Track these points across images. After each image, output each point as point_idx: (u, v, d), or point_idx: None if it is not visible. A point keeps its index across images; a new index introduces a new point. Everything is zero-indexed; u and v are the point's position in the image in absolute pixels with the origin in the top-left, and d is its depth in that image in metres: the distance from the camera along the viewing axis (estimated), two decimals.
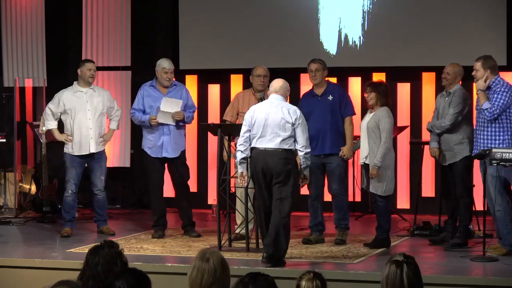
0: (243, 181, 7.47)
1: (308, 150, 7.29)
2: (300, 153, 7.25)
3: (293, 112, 7.28)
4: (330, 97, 8.34)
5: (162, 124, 8.68)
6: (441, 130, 8.15)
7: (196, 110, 9.20)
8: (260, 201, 7.37)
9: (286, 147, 7.21)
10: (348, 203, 8.57)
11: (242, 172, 7.42)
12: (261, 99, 8.42)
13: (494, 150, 7.34)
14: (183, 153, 8.88)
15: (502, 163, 7.28)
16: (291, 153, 7.27)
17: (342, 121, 8.35)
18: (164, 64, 8.76)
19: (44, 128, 9.17)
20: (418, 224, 8.97)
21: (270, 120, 7.24)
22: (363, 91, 10.48)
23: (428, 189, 10.47)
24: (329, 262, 7.33)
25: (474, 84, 9.88)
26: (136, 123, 8.98)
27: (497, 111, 7.55)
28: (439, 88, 10.52)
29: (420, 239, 8.60)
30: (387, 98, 8.11)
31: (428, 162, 10.28)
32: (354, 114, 8.47)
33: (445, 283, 6.54)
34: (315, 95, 8.40)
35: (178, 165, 8.80)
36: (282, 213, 7.13)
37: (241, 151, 7.34)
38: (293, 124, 7.23)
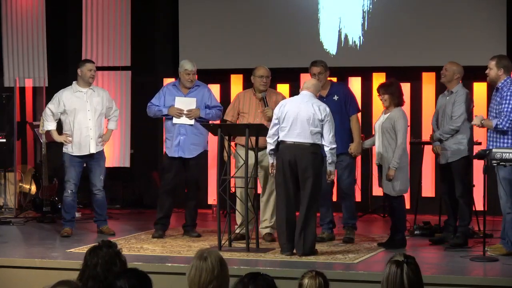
0: (273, 171, 7.73)
1: (334, 146, 7.58)
2: (326, 148, 7.56)
3: (323, 109, 7.59)
4: (336, 97, 8.38)
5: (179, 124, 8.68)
6: (451, 133, 8.10)
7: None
8: (283, 196, 7.58)
9: (314, 141, 7.53)
10: (354, 202, 8.60)
11: (272, 163, 7.72)
12: (263, 99, 8.45)
13: (494, 150, 7.32)
14: (201, 154, 8.85)
15: (502, 163, 7.27)
16: (319, 148, 7.58)
17: (348, 120, 8.40)
18: (186, 66, 8.74)
19: (43, 129, 9.17)
20: (418, 224, 8.98)
21: (301, 115, 7.54)
22: (363, 91, 10.55)
23: (428, 189, 10.47)
24: (329, 262, 7.32)
25: (475, 84, 9.94)
26: (151, 115, 8.91)
27: (508, 121, 7.52)
28: (439, 88, 10.53)
29: (420, 239, 8.60)
30: (400, 97, 8.06)
31: (428, 162, 10.28)
32: (359, 111, 8.55)
33: (445, 283, 6.53)
34: (320, 97, 8.41)
35: (193, 165, 8.78)
36: (309, 207, 7.47)
37: (270, 143, 7.65)
38: (321, 120, 7.55)
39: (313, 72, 8.41)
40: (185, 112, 8.62)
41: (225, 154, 8.23)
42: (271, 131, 7.68)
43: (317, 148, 7.57)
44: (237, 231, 8.30)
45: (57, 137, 8.98)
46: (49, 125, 8.97)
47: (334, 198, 9.14)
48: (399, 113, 7.96)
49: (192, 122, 8.64)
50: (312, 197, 7.53)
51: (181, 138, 8.68)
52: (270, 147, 7.69)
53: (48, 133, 9.39)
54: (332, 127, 7.58)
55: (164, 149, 9.04)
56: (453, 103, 8.10)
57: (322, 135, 7.57)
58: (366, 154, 10.01)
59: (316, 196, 7.62)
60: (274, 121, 7.68)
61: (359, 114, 8.64)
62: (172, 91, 8.81)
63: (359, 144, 8.39)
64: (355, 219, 8.49)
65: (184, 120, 8.65)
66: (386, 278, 4.12)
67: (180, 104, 8.66)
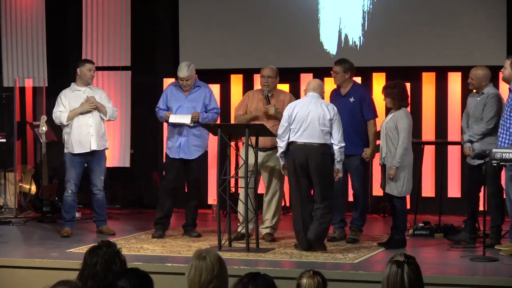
0: (285, 172, 7.96)
1: (343, 144, 7.77)
2: (335, 147, 7.73)
3: (332, 109, 7.80)
4: (352, 99, 8.41)
5: (180, 125, 8.68)
6: (482, 135, 8.08)
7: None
8: (296, 195, 7.78)
9: (324, 141, 7.71)
10: (365, 204, 8.61)
11: (284, 164, 7.91)
12: (266, 97, 8.46)
13: (494, 150, 7.32)
14: (202, 155, 8.85)
15: (502, 163, 7.27)
16: (329, 148, 7.74)
17: (363, 123, 8.39)
18: (179, 73, 8.67)
19: (44, 129, 9.14)
20: (418, 224, 8.97)
21: (311, 116, 7.71)
22: None
23: (428, 189, 10.47)
24: (329, 262, 7.32)
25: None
26: (160, 121, 9.03)
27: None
28: (439, 88, 10.54)
29: (420, 239, 8.60)
30: (404, 99, 8.03)
31: (428, 162, 10.29)
32: (376, 116, 8.49)
33: (445, 283, 6.53)
34: (338, 94, 8.49)
35: (194, 166, 8.78)
36: (324, 208, 7.68)
37: (281, 146, 7.83)
38: (331, 120, 7.72)
39: (332, 70, 8.50)
40: (191, 115, 8.61)
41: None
42: (280, 133, 7.82)
43: (327, 148, 7.73)
44: (239, 229, 8.28)
45: (81, 109, 8.81)
46: (65, 116, 8.88)
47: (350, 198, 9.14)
48: (403, 113, 7.98)
49: (188, 121, 8.61)
50: (326, 195, 7.73)
51: (182, 140, 8.69)
52: (280, 150, 7.83)
53: (48, 132, 9.44)
54: (340, 126, 7.77)
55: (164, 150, 9.04)
56: (484, 105, 8.06)
57: (331, 134, 7.72)
58: None
59: (329, 194, 7.79)
60: (283, 123, 7.81)
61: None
62: (174, 91, 8.82)
63: (373, 149, 8.39)
64: (361, 221, 8.48)
65: (180, 119, 8.63)
66: (386, 278, 4.12)
67: (175, 119, 8.64)
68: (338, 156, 7.75)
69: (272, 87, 8.55)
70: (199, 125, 8.64)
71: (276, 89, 8.66)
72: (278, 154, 7.90)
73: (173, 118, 8.65)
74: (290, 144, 7.80)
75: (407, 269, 4.10)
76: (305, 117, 7.72)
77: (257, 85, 8.75)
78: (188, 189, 8.99)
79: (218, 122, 9.10)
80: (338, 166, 7.80)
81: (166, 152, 8.86)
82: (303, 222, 7.74)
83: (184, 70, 8.68)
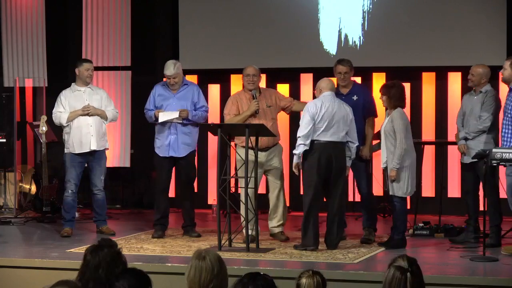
0: (296, 171, 7.90)
1: (358, 143, 7.93)
2: (353, 145, 7.93)
3: (351, 109, 7.97)
4: (355, 97, 8.41)
5: (169, 123, 8.67)
6: (479, 133, 8.08)
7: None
8: (314, 196, 7.80)
9: (344, 140, 7.90)
10: (373, 203, 8.63)
11: (298, 163, 7.84)
12: (254, 96, 8.47)
13: (494, 150, 7.32)
14: (191, 153, 8.85)
15: (502, 163, 7.27)
16: (345, 146, 7.92)
17: (361, 122, 8.38)
18: (165, 71, 8.70)
19: (44, 129, 9.13)
20: (418, 224, 8.97)
21: (338, 115, 7.84)
22: None
23: (428, 189, 10.47)
24: (329, 262, 7.32)
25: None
26: (149, 121, 8.95)
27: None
28: (439, 88, 10.54)
29: (420, 239, 8.60)
30: (401, 100, 8.01)
31: (429, 162, 10.28)
32: (375, 116, 8.53)
33: (445, 283, 6.53)
34: (339, 94, 8.45)
35: (184, 164, 8.79)
36: (342, 205, 7.93)
37: (304, 144, 7.76)
38: (351, 120, 7.85)
39: (338, 71, 8.42)
40: (179, 111, 8.60)
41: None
42: (306, 131, 7.75)
43: (344, 146, 7.89)
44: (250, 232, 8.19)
45: (78, 112, 8.84)
46: (64, 116, 8.89)
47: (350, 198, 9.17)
48: (398, 114, 7.97)
49: (176, 115, 8.60)
50: (343, 193, 8.00)
51: (171, 138, 8.69)
52: (303, 148, 7.74)
53: (48, 132, 9.44)
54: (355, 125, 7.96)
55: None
56: (482, 103, 8.06)
57: (348, 133, 7.87)
58: None
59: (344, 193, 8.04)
60: (309, 122, 7.75)
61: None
62: (161, 90, 8.82)
63: (369, 147, 8.41)
64: (371, 220, 8.47)
65: (168, 116, 8.62)
66: (389, 283, 4.09)
67: (164, 117, 8.63)
68: (353, 154, 7.93)
69: (257, 85, 8.57)
70: (190, 123, 8.66)
71: (261, 88, 8.71)
72: (298, 152, 7.77)
73: (162, 117, 8.63)
74: (311, 142, 7.77)
75: (410, 277, 4.06)
76: (333, 116, 7.79)
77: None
78: (181, 189, 8.98)
79: (218, 122, 9.09)
80: (349, 164, 7.94)
81: (155, 151, 8.84)
82: (314, 222, 7.78)
83: (170, 68, 8.69)
